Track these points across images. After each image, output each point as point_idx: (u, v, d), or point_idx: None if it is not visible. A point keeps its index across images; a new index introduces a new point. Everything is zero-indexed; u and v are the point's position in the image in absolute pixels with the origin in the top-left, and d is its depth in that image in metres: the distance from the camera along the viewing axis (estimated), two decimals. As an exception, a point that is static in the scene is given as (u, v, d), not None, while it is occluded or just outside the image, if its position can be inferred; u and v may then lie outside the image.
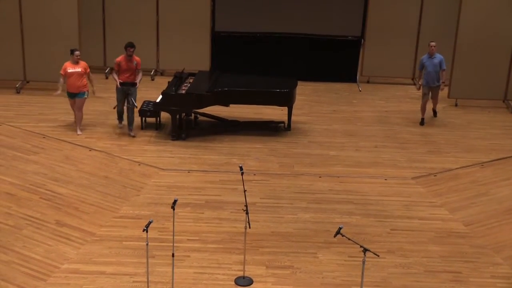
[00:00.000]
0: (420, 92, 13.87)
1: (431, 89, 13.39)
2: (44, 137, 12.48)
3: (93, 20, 15.29)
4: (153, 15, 15.34)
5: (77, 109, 12.55)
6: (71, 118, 13.20)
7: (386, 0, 15.28)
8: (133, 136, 12.58)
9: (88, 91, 12.59)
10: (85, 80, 12.48)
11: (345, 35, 15.71)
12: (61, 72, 12.40)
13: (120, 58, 12.53)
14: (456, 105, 14.68)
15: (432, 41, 13.38)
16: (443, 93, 14.91)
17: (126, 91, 12.51)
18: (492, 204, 10.80)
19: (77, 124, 12.68)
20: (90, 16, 15.17)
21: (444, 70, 13.33)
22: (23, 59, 14.47)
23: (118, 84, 12.47)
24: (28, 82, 14.79)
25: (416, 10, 15.27)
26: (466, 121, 13.92)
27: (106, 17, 15.40)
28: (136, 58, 12.57)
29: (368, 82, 15.93)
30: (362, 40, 15.65)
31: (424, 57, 13.41)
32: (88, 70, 12.56)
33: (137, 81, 12.65)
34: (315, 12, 15.45)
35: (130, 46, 12.44)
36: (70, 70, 12.33)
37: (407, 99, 15.08)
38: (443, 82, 13.48)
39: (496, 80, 14.56)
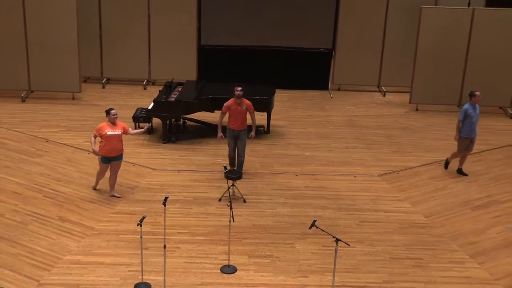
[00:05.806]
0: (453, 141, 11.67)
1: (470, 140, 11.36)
2: (47, 141, 12.41)
3: (91, 35, 15.22)
4: (145, 31, 15.31)
5: (114, 173, 10.33)
6: (71, 123, 13.19)
7: (355, 16, 15.37)
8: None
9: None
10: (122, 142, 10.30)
11: (318, 47, 15.79)
12: (96, 132, 10.00)
13: (229, 102, 10.86)
14: (416, 109, 14.79)
15: (477, 91, 11.07)
16: (405, 98, 15.10)
17: (236, 136, 10.95)
18: (449, 197, 10.90)
19: (112, 188, 10.43)
20: (88, 31, 15.10)
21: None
22: (28, 70, 14.37)
23: (218, 135, 10.84)
24: (32, 91, 14.69)
25: (380, 26, 15.36)
26: (426, 124, 14.04)
27: (103, 33, 15.33)
28: (247, 102, 10.90)
29: (338, 89, 15.99)
30: (333, 52, 15.72)
31: (469, 107, 11.07)
32: (128, 129, 10.24)
33: (253, 131, 10.77)
34: (291, 27, 15.50)
35: (237, 85, 10.41)
36: (109, 132, 9.95)
37: (373, 104, 15.17)
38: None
39: (452, 87, 14.70)
